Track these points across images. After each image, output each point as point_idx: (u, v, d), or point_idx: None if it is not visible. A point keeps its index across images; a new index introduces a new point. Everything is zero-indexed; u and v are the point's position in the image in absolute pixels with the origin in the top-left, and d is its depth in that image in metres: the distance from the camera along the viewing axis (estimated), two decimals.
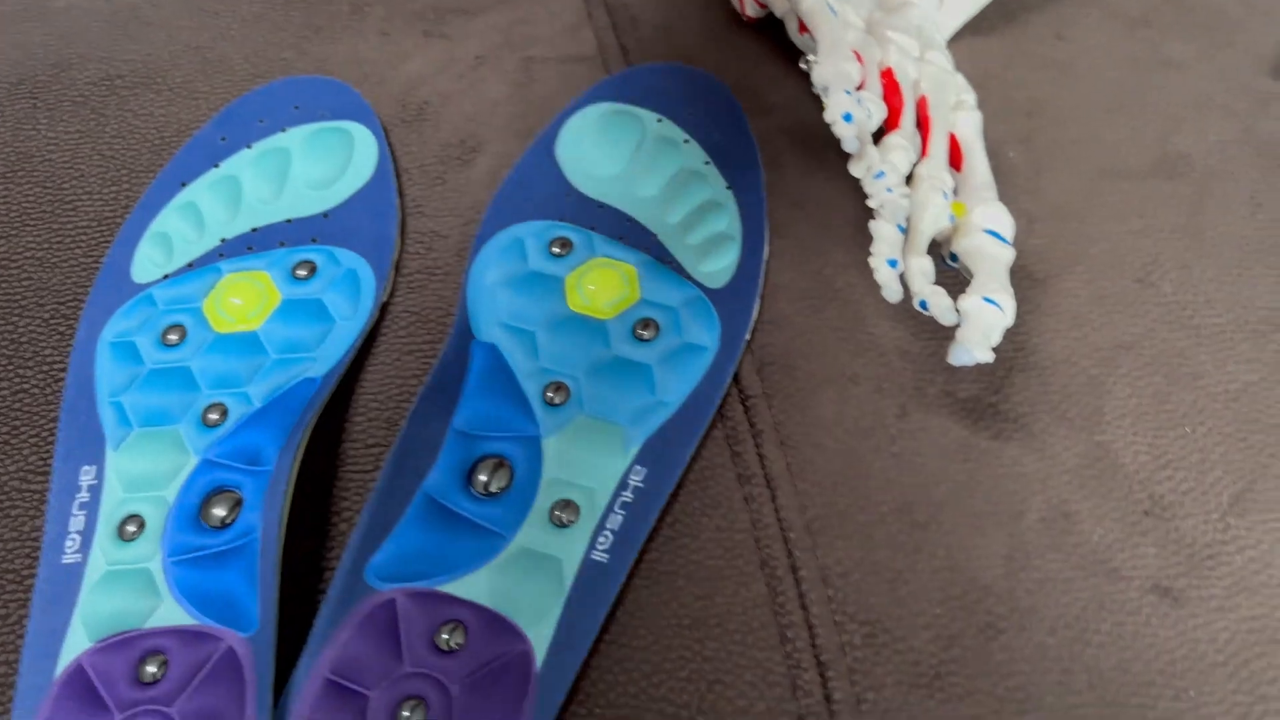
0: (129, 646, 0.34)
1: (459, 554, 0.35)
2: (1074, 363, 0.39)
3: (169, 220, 0.44)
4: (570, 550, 0.35)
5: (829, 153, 0.45)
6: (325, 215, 0.44)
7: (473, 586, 0.35)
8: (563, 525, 0.36)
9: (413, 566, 0.35)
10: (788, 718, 0.33)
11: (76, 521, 0.36)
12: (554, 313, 0.40)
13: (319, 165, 0.45)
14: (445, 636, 0.34)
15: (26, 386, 0.41)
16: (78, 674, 0.33)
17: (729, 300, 0.41)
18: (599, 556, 0.35)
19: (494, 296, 0.41)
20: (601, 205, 0.44)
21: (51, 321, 0.42)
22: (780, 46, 0.49)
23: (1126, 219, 0.43)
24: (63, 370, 0.41)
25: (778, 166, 0.45)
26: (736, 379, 0.40)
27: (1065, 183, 0.44)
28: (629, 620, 0.35)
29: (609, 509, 0.36)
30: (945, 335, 0.40)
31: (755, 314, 0.41)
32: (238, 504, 0.36)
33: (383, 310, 0.42)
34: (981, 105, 0.46)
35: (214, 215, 0.44)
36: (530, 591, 0.35)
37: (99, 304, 0.42)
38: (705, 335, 0.40)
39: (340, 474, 0.38)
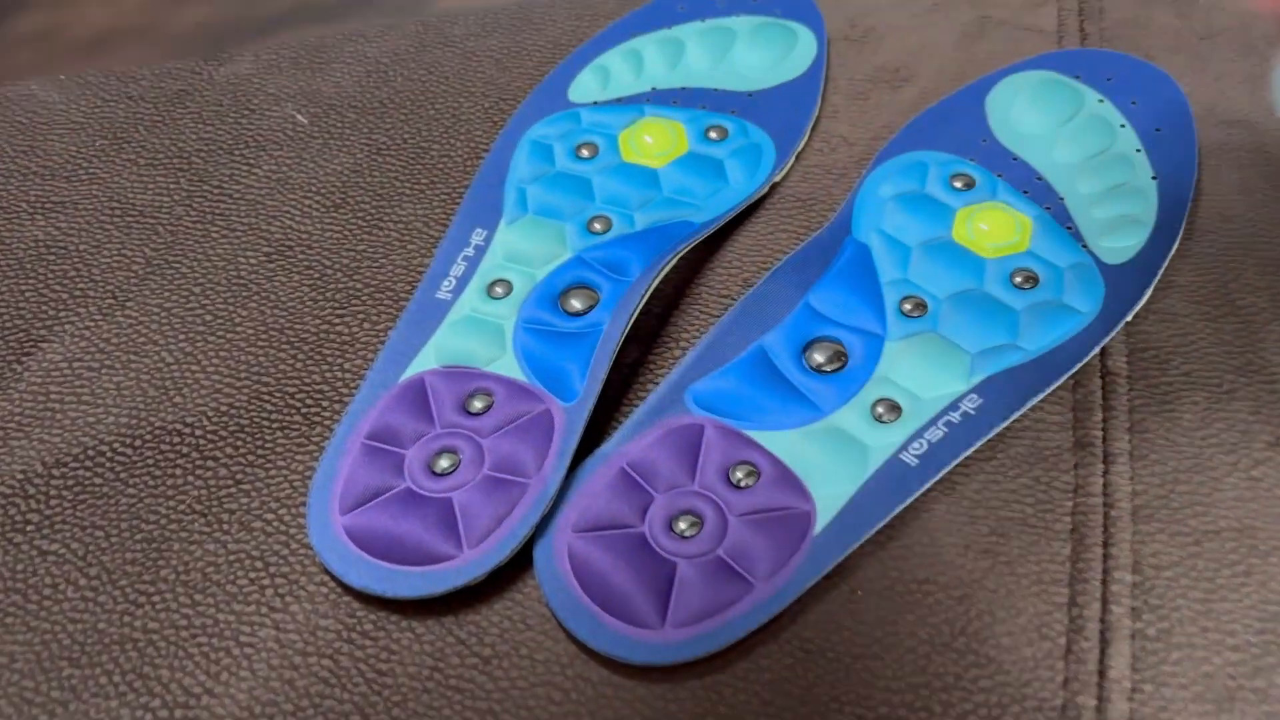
0: (466, 379, 0.37)
1: (774, 410, 0.36)
2: None
3: (614, 59, 0.48)
4: (881, 443, 0.35)
5: (1276, 182, 0.42)
6: (749, 95, 0.46)
7: (777, 441, 0.35)
8: (880, 420, 0.35)
9: (729, 404, 0.36)
10: (1052, 675, 0.31)
11: (458, 268, 0.40)
12: (936, 236, 0.40)
13: (759, 52, 0.48)
14: (739, 474, 0.34)
15: (452, 154, 0.45)
16: (418, 384, 0.37)
17: (1121, 278, 0.39)
18: (908, 458, 0.35)
19: (882, 205, 0.41)
20: (1015, 158, 0.43)
21: (490, 111, 0.47)
22: (1257, 70, 0.46)
23: None
24: (485, 150, 0.45)
25: (1215, 177, 0.42)
26: (1103, 353, 0.38)
27: None
28: (917, 524, 0.34)
29: (932, 421, 0.35)
30: None
31: (1144, 300, 0.38)
32: (594, 302, 0.39)
33: (772, 188, 0.43)
34: None
35: (653, 66, 0.47)
36: (829, 465, 0.35)
37: (533, 108, 0.46)
38: (1084, 302, 0.38)
39: (686, 308, 0.40)
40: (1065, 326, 0.38)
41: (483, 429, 0.36)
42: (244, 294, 0.41)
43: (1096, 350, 0.37)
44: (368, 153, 0.45)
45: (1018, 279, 0.39)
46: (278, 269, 0.41)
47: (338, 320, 0.40)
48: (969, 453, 0.35)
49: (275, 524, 0.35)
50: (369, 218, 0.43)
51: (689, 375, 0.37)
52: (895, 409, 0.36)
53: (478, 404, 0.37)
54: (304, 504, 0.35)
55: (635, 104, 0.46)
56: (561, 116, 0.45)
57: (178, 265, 0.42)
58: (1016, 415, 0.36)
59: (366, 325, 0.40)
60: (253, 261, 0.42)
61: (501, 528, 0.34)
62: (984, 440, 0.35)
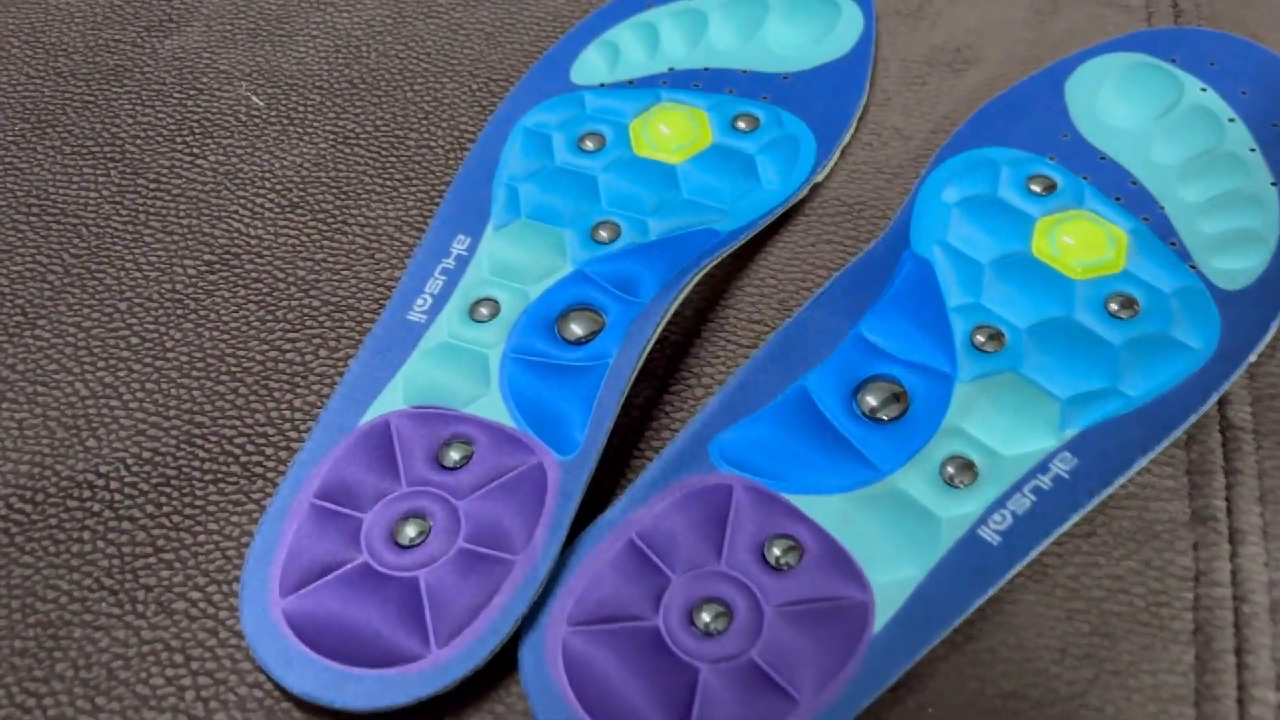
0: (440, 422, 0.30)
1: (819, 468, 0.29)
2: None
3: (624, 34, 0.41)
4: (954, 514, 0.28)
5: None
6: (785, 77, 0.39)
7: (824, 509, 0.28)
8: (952, 484, 0.29)
9: (764, 460, 0.29)
10: None
11: (434, 284, 0.33)
12: (1012, 252, 0.33)
13: (795, 28, 0.41)
14: (776, 551, 0.28)
15: (432, 145, 0.38)
16: (381, 429, 0.30)
17: (1242, 307, 0.32)
18: (988, 535, 0.28)
19: (946, 213, 0.34)
20: (1103, 157, 0.36)
21: (478, 94, 0.40)
22: None
23: None
24: (471, 140, 0.38)
25: None
26: (1222, 402, 0.31)
27: None
28: (1000, 621, 0.27)
29: (1016, 487, 0.29)
30: None
31: (1270, 335, 0.32)
32: (598, 327, 0.32)
33: (813, 190, 0.36)
34: None
35: (671, 43, 0.40)
36: (891, 541, 0.28)
37: (528, 90, 0.39)
38: (1197, 337, 0.31)
39: (710, 337, 0.33)
40: (1174, 367, 0.31)
41: (460, 487, 0.29)
42: (178, 311, 0.34)
43: (1214, 398, 0.30)
44: (332, 142, 0.38)
45: (1113, 305, 0.32)
46: (220, 281, 0.34)
47: (289, 346, 0.33)
48: (1064, 528, 0.28)
49: (202, 606, 0.28)
50: (331, 220, 0.36)
51: (714, 423, 0.30)
52: (969, 469, 0.29)
53: (454, 455, 0.30)
54: (238, 580, 0.28)
55: (649, 87, 0.39)
56: (562, 101, 0.38)
57: (101, 275, 0.35)
58: (1120, 480, 0.29)
59: (323, 352, 0.33)
60: (190, 272, 0.35)
61: (479, 620, 0.27)
62: (1081, 512, 0.28)
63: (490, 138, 0.38)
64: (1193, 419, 0.30)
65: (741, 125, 0.37)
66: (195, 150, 0.38)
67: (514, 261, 0.34)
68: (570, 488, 0.29)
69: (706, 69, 0.39)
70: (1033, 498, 0.28)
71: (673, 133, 0.37)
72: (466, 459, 0.30)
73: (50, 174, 0.38)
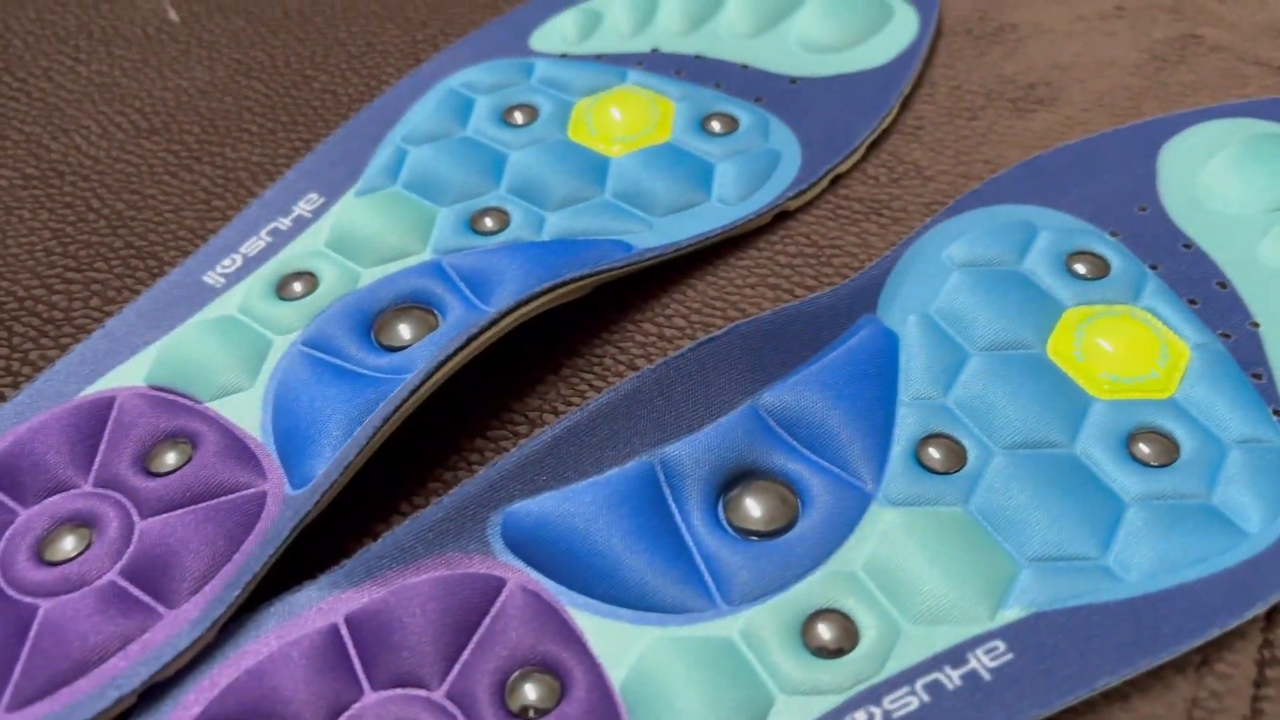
0: (171, 413, 0.23)
1: (632, 584, 0.20)
2: None
3: (613, 3, 0.33)
4: (800, 695, 0.19)
5: None
6: (793, 81, 0.30)
7: (615, 641, 0.19)
8: (813, 650, 0.19)
9: (559, 553, 0.20)
10: None
11: (254, 245, 0.26)
12: (1016, 342, 0.23)
13: (827, 25, 0.32)
14: (527, 691, 0.19)
15: (338, 92, 0.31)
16: (101, 407, 0.23)
17: None
18: None
19: (941, 275, 0.25)
20: (1188, 245, 0.26)
21: (420, 45, 0.33)
22: None
23: None
24: (380, 90, 0.31)
25: None
26: (1271, 617, 0.20)
27: None
28: None
29: (908, 678, 0.19)
30: None
31: None
32: (428, 331, 0.24)
33: (777, 219, 0.27)
34: None
35: (666, 20, 0.32)
36: (692, 712, 0.18)
37: (471, 48, 0.32)
38: (1257, 513, 0.21)
39: (569, 378, 0.24)
40: (1207, 548, 0.20)
41: (152, 499, 0.21)
42: None
43: (1257, 609, 0.20)
44: (232, 72, 0.32)
45: (1141, 445, 0.22)
46: (27, 199, 0.28)
47: (59, 285, 0.26)
48: None
49: None
50: (184, 154, 0.29)
51: (506, 487, 0.21)
52: (848, 633, 0.19)
53: (169, 457, 0.22)
54: None
55: (619, 65, 0.31)
56: (506, 65, 0.31)
57: None
58: (1069, 701, 0.19)
59: (95, 302, 0.26)
60: (1, 183, 0.29)
61: (75, 687, 0.19)
62: None
63: (401, 92, 0.30)
64: (1213, 634, 0.19)
65: (715, 126, 0.29)
66: (81, 57, 0.32)
67: (362, 235, 0.26)
68: (278, 531, 0.21)
69: (699, 57, 0.31)
70: (925, 698, 0.19)
71: (624, 120, 0.29)
72: (181, 465, 0.22)
73: None
